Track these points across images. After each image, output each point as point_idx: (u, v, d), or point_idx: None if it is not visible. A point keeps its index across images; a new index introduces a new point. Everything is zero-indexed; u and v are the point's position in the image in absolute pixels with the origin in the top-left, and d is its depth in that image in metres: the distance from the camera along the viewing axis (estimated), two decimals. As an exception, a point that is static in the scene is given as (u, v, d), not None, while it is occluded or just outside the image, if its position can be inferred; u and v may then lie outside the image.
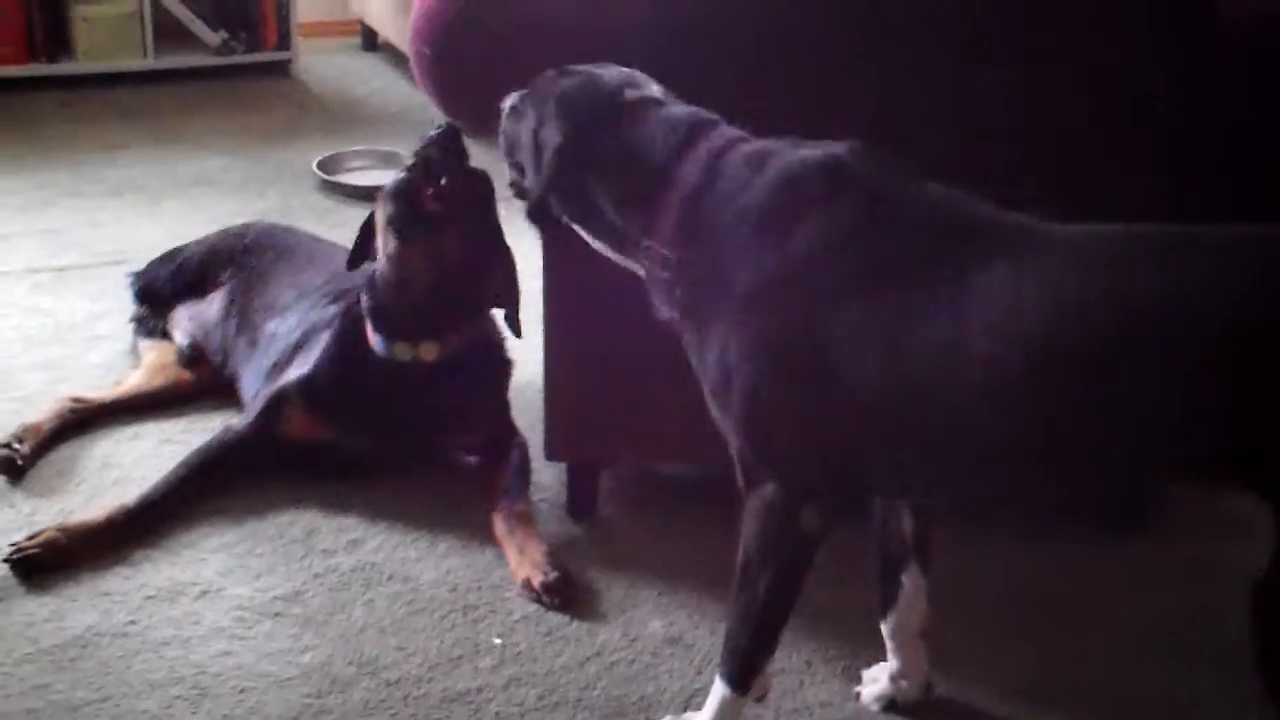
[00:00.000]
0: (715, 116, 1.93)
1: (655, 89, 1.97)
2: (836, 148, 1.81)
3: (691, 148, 1.88)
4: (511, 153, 2.08)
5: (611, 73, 1.99)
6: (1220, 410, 1.57)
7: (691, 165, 1.86)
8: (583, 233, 2.02)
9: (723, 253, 1.82)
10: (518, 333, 2.65)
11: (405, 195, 2.51)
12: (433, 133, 2.51)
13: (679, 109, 1.94)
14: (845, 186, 1.77)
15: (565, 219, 2.02)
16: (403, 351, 2.59)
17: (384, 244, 2.56)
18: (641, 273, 1.96)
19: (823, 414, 1.78)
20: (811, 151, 1.82)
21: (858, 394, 1.74)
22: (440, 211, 2.50)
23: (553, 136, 1.94)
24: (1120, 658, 2.29)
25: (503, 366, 2.74)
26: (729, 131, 1.90)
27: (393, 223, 2.52)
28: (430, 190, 2.50)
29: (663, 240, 1.88)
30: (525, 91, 2.05)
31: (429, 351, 2.58)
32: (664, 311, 1.93)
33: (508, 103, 2.08)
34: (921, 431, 1.75)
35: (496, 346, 2.72)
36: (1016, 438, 1.69)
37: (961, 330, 1.67)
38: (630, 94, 1.94)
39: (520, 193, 2.08)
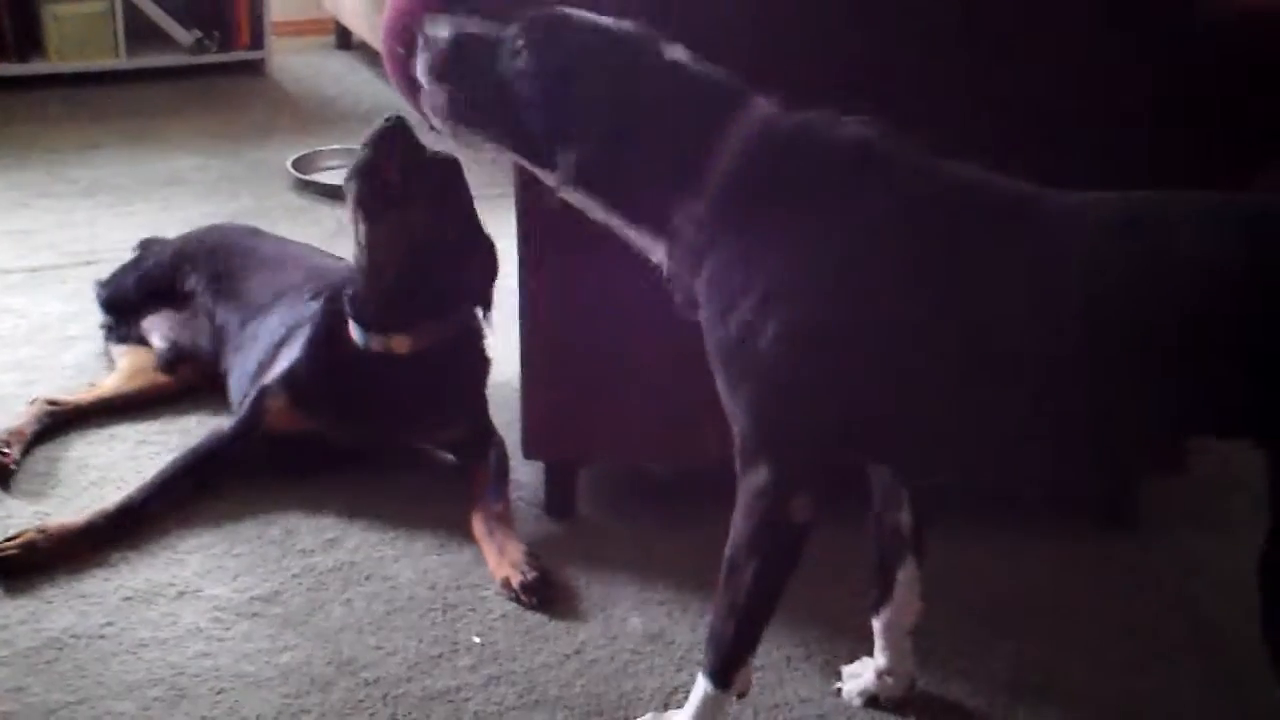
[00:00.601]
0: (746, 85, 1.87)
1: (680, 47, 1.89)
2: (866, 128, 1.79)
3: (737, 116, 1.82)
4: (451, 75, 1.91)
5: (627, 25, 1.89)
6: (1247, 368, 1.59)
7: (738, 134, 1.81)
8: (590, 198, 1.92)
9: (761, 229, 1.79)
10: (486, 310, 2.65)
11: (367, 172, 2.50)
12: (381, 123, 2.51)
13: (714, 71, 1.87)
14: (878, 169, 1.76)
15: (570, 181, 1.90)
16: (376, 343, 2.59)
17: (354, 229, 2.56)
18: (648, 245, 1.91)
19: (846, 395, 1.78)
20: (848, 131, 1.79)
21: (884, 375, 1.75)
22: (403, 185, 2.49)
23: (606, 103, 1.83)
24: (1104, 653, 2.29)
25: (481, 362, 2.73)
26: (766, 102, 1.85)
27: (360, 202, 2.52)
28: (390, 162, 2.49)
29: (699, 206, 1.82)
30: (470, 32, 1.91)
31: (400, 344, 2.58)
32: (681, 283, 1.87)
33: (443, 33, 1.92)
34: (958, 410, 1.75)
35: (475, 342, 2.72)
36: (1058, 412, 1.71)
37: (994, 304, 1.68)
38: (669, 53, 1.86)
39: (456, 111, 1.93)
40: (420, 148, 2.52)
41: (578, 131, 1.84)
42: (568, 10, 1.90)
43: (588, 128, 1.83)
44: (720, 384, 1.86)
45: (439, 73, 1.93)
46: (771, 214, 1.79)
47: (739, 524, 1.87)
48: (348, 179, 2.55)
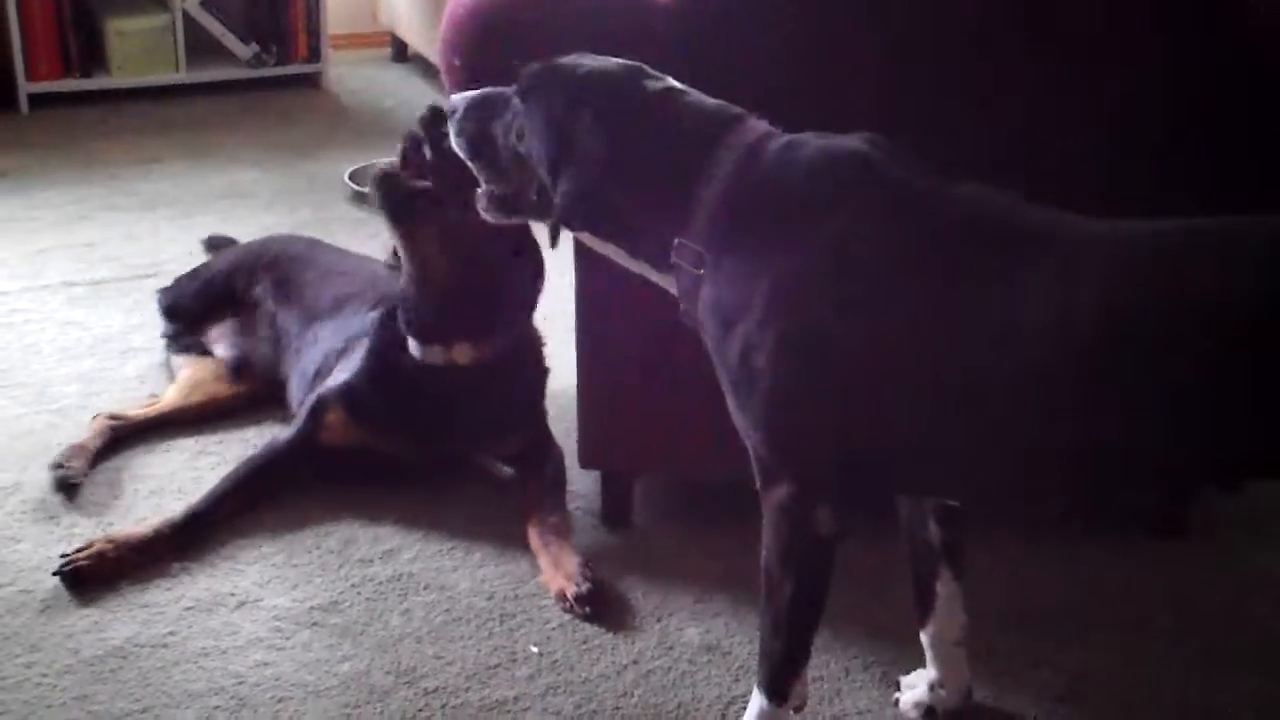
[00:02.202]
0: (741, 110, 1.90)
1: (670, 80, 1.92)
2: (859, 142, 1.80)
3: (725, 141, 1.84)
4: (481, 154, 1.99)
5: (612, 63, 1.92)
6: (1267, 404, 1.57)
7: (727, 159, 1.83)
8: (594, 239, 1.97)
9: (754, 248, 1.80)
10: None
11: (384, 180, 2.48)
12: (418, 120, 2.47)
13: (706, 100, 1.90)
14: (873, 182, 1.76)
15: (576, 226, 1.96)
16: (434, 355, 2.59)
17: (396, 242, 2.57)
18: (655, 277, 1.94)
19: (848, 411, 1.78)
20: (835, 145, 1.81)
21: (885, 391, 1.74)
22: (432, 188, 2.45)
23: (590, 139, 1.85)
24: (1160, 664, 2.28)
25: (539, 373, 2.74)
26: (759, 125, 1.87)
27: (388, 212, 2.49)
28: (407, 168, 2.47)
29: (695, 236, 1.84)
30: (484, 92, 1.99)
31: (462, 354, 2.58)
32: (694, 316, 1.90)
33: (459, 101, 2.00)
34: (953, 431, 1.74)
35: (534, 352, 2.73)
36: (1055, 438, 1.69)
37: (995, 328, 1.66)
38: (652, 85, 1.89)
39: (500, 204, 2.01)
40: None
41: (575, 173, 1.86)
42: (557, 60, 1.93)
43: (583, 169, 1.86)
44: (731, 405, 1.87)
45: (460, 147, 2.01)
46: (764, 232, 1.80)
47: (768, 542, 1.88)
48: (370, 186, 2.51)
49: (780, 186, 1.80)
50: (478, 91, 2.01)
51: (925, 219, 1.74)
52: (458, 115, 2.01)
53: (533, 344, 2.73)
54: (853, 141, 1.81)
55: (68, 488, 2.67)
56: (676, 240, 1.86)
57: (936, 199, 1.75)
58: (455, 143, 2.02)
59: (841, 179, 1.78)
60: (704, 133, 1.85)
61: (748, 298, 1.79)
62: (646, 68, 1.92)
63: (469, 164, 2.02)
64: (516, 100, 1.94)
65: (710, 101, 1.90)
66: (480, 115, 1.99)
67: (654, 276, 1.95)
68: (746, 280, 1.80)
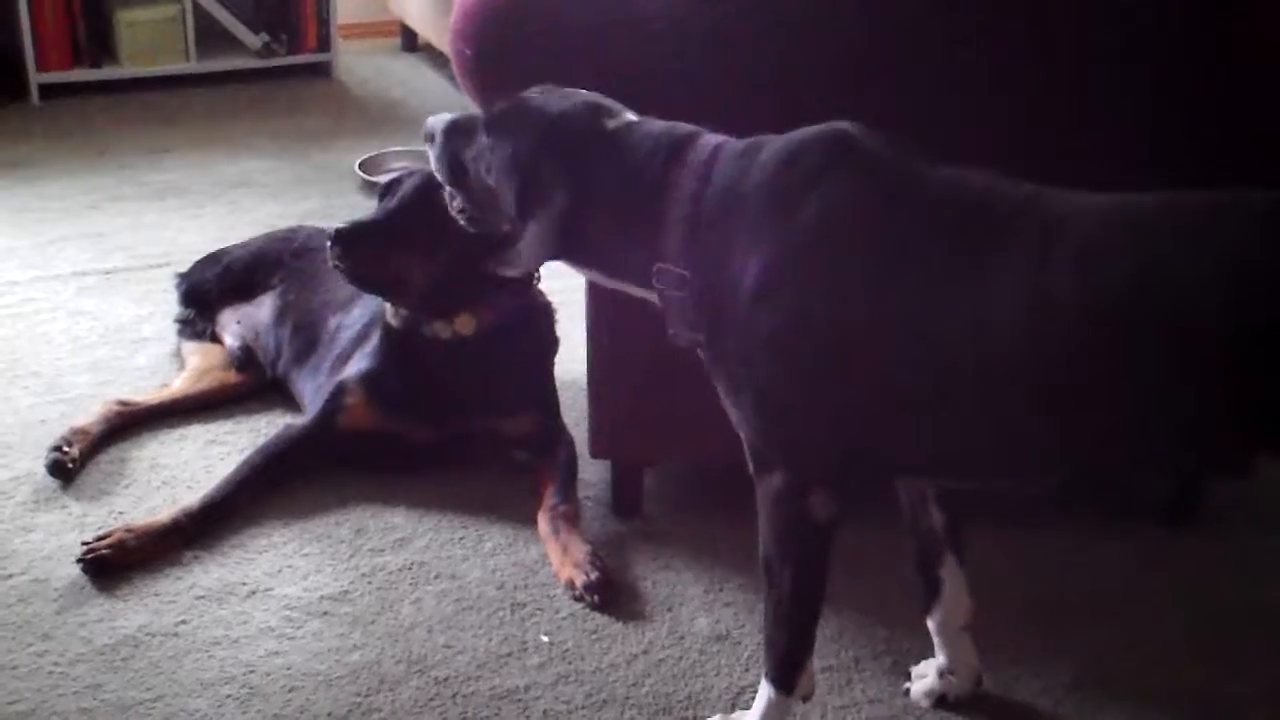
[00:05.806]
0: (694, 127, 1.89)
1: (629, 114, 1.93)
2: (837, 123, 1.80)
3: (680, 159, 1.84)
4: (458, 179, 2.02)
5: (579, 98, 1.93)
6: (1255, 378, 1.56)
7: (685, 176, 1.83)
8: (586, 271, 2.00)
9: (731, 248, 1.80)
10: None
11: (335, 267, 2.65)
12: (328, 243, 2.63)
13: (655, 124, 1.90)
14: (851, 161, 1.76)
15: (562, 260, 1.97)
16: (442, 330, 2.64)
17: None
18: (639, 293, 1.94)
19: (837, 396, 1.78)
20: (805, 131, 1.81)
21: (873, 373, 1.74)
22: (354, 268, 2.62)
23: (554, 187, 1.87)
24: (1171, 654, 2.27)
25: (548, 343, 2.76)
26: (711, 138, 1.87)
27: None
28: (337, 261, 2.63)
29: (673, 259, 1.84)
30: (457, 118, 2.02)
31: (464, 324, 2.63)
32: (683, 335, 1.90)
33: (436, 127, 2.02)
34: (942, 413, 1.74)
35: (541, 320, 2.75)
36: (1042, 415, 1.69)
37: (981, 308, 1.66)
38: (611, 122, 1.89)
39: (475, 222, 2.05)
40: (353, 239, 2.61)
41: (541, 220, 1.87)
42: (522, 98, 1.94)
43: (549, 216, 1.87)
44: (722, 395, 1.88)
45: (440, 174, 2.04)
46: (741, 231, 1.79)
47: (764, 530, 1.89)
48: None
49: (746, 185, 1.80)
50: (450, 118, 2.02)
51: (905, 199, 1.74)
52: (436, 142, 2.03)
53: (538, 312, 2.74)
54: (826, 126, 1.80)
55: (62, 471, 2.67)
56: (656, 266, 1.86)
57: (915, 179, 1.75)
58: (434, 167, 2.05)
59: (815, 160, 1.77)
60: (658, 157, 1.86)
61: (734, 296, 1.79)
62: (606, 103, 1.93)
63: (448, 187, 2.05)
64: (484, 136, 1.96)
65: (661, 125, 1.90)
66: (455, 143, 2.01)
67: (638, 293, 1.96)
68: (730, 281, 1.80)
